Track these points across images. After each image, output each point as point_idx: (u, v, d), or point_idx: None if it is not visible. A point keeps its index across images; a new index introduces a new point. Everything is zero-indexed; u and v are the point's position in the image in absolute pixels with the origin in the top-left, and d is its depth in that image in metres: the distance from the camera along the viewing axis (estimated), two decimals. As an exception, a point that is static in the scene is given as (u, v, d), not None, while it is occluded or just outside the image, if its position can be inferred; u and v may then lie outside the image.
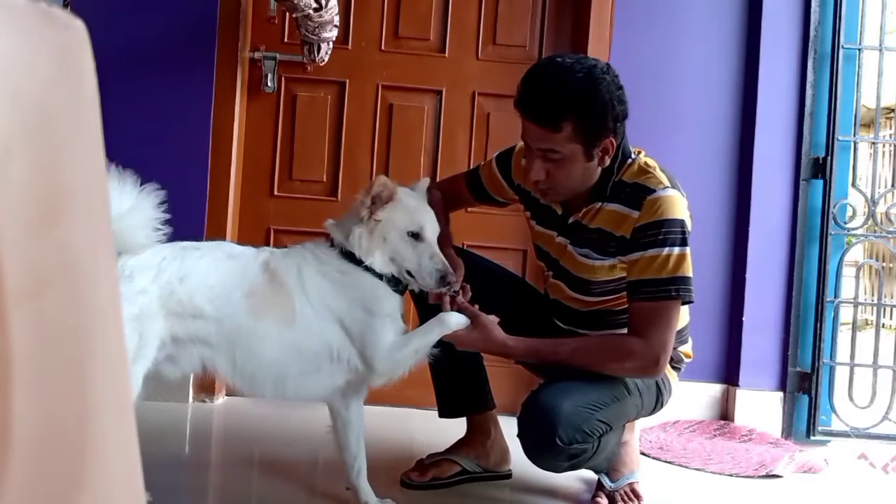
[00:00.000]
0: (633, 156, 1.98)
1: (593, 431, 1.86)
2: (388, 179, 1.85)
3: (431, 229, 1.87)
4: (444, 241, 2.01)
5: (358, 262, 1.84)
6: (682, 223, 1.88)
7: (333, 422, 1.95)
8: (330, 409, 1.95)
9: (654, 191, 1.89)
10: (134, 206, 1.64)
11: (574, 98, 1.81)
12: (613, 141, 1.88)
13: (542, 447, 1.87)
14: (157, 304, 1.69)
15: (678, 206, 1.89)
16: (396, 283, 1.87)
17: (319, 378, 1.83)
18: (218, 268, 1.78)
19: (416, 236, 1.83)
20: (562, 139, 1.84)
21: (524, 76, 1.88)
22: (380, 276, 1.84)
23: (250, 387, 1.84)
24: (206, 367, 1.80)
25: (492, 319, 1.89)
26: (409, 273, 1.84)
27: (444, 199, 2.19)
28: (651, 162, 1.97)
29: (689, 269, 1.88)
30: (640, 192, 1.90)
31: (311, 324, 1.79)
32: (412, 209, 1.86)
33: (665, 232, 1.86)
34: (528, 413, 1.89)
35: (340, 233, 1.86)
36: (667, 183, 1.91)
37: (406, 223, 1.84)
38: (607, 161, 1.91)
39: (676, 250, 1.86)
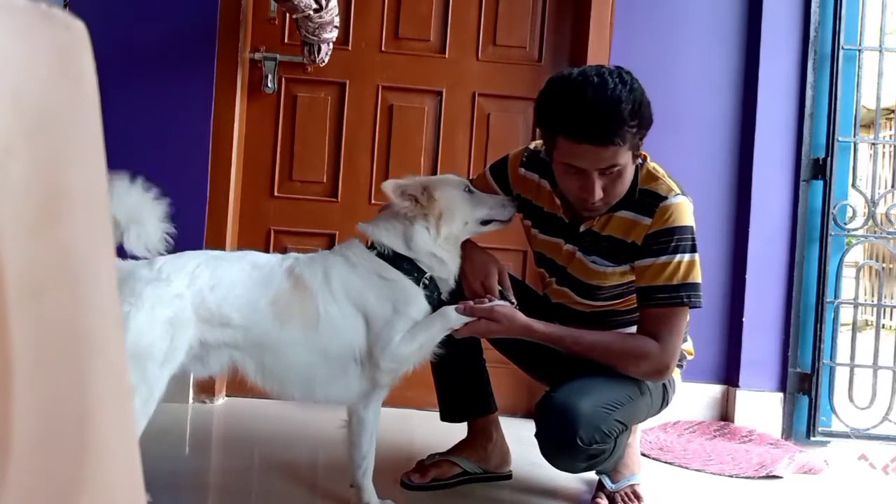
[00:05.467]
0: (641, 161, 1.98)
1: (612, 431, 1.86)
2: (396, 181, 1.87)
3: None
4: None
5: (398, 267, 1.85)
6: (691, 230, 1.90)
7: (349, 419, 1.95)
8: (347, 407, 1.95)
9: (665, 198, 1.90)
10: (145, 205, 1.66)
11: (631, 108, 1.76)
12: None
13: (562, 448, 1.86)
14: (191, 310, 1.71)
15: (688, 212, 1.91)
16: (432, 292, 1.88)
17: (347, 380, 1.84)
18: (244, 277, 1.79)
19: (469, 191, 1.96)
20: (623, 151, 1.81)
21: (559, 102, 1.81)
22: (417, 282, 1.86)
23: (280, 391, 1.85)
24: (237, 370, 1.82)
25: (508, 305, 1.88)
26: (483, 223, 1.96)
27: None
28: (658, 167, 1.98)
29: (698, 276, 1.90)
30: (651, 198, 1.91)
31: (335, 324, 1.80)
32: (451, 176, 2.00)
33: (677, 239, 1.88)
34: (546, 414, 1.88)
35: (397, 239, 1.87)
36: (677, 189, 1.92)
37: (456, 184, 1.95)
38: (639, 160, 1.92)
39: (687, 257, 1.88)
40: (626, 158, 1.83)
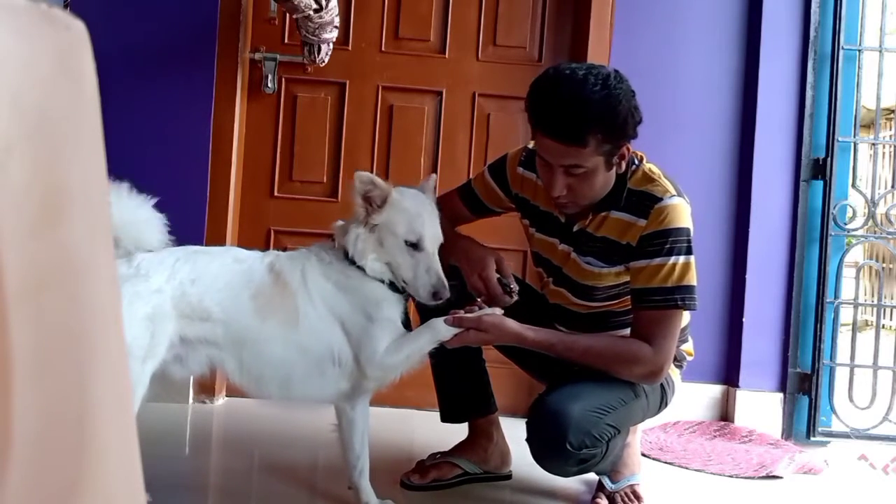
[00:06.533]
0: (636, 162, 1.97)
1: (602, 436, 1.85)
2: (373, 177, 1.79)
3: (431, 238, 1.80)
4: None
5: (360, 266, 1.84)
6: (687, 231, 1.89)
7: (338, 421, 1.95)
8: (335, 409, 1.95)
9: (661, 199, 1.88)
10: (138, 204, 1.68)
11: (598, 113, 1.76)
12: (629, 146, 1.89)
13: (551, 452, 1.86)
14: (170, 305, 1.71)
15: (684, 214, 1.89)
16: (397, 288, 1.86)
17: (324, 380, 1.82)
18: (226, 271, 1.79)
19: (414, 246, 1.78)
20: (587, 154, 1.80)
21: (537, 94, 1.82)
22: (382, 279, 1.84)
23: (257, 387, 1.83)
24: (214, 368, 1.81)
25: (497, 313, 1.87)
26: (404, 281, 1.82)
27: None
28: (655, 169, 1.97)
29: (693, 278, 1.89)
30: (646, 200, 1.90)
31: (314, 325, 1.79)
32: (412, 216, 1.79)
33: (672, 241, 1.87)
34: (537, 418, 1.87)
35: (342, 234, 1.86)
36: (673, 191, 1.91)
37: (404, 231, 1.78)
38: (623, 166, 1.91)
39: (682, 259, 1.87)
40: (593, 163, 1.82)
